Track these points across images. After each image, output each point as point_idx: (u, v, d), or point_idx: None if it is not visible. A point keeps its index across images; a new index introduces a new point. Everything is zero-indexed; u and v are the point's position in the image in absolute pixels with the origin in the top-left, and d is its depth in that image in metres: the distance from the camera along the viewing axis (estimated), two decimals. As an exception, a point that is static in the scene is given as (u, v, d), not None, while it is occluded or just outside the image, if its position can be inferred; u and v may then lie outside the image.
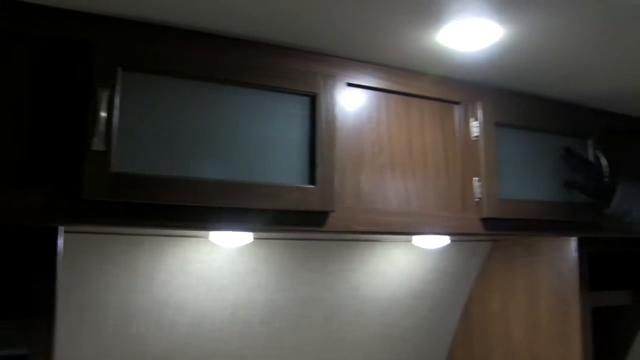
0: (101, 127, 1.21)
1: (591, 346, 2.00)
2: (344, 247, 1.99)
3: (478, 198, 1.72)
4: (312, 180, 1.45)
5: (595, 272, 2.08)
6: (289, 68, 1.49)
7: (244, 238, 1.70)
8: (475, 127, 1.75)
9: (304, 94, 1.49)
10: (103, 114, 1.22)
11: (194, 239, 1.75)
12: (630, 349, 2.37)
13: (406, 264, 2.15)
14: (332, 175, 1.47)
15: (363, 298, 2.10)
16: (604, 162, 1.98)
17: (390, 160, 1.62)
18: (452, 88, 1.76)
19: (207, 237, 1.72)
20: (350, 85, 1.58)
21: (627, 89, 1.94)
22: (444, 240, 1.96)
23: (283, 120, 1.46)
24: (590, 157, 2.00)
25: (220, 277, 1.84)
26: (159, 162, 1.31)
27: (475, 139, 1.75)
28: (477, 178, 1.73)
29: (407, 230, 1.63)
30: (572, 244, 2.01)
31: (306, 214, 1.45)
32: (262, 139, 1.42)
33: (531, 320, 2.14)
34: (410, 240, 1.99)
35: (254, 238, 1.76)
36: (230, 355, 1.95)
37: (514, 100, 1.89)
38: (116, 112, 1.25)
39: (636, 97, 2.04)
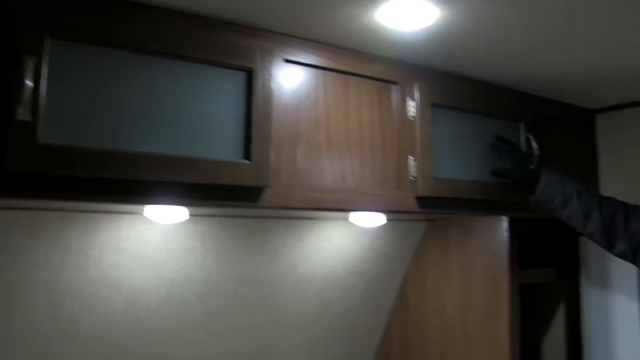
0: (27, 96, 1.17)
1: (518, 321, 2.08)
2: (281, 225, 1.99)
3: (413, 177, 1.75)
4: (247, 155, 1.44)
5: (523, 250, 2.16)
6: (227, 42, 1.47)
7: (179, 215, 1.68)
8: (411, 107, 1.78)
9: (241, 69, 1.47)
10: (29, 83, 1.17)
11: (128, 215, 1.72)
12: (552, 322, 2.48)
13: (343, 242, 2.17)
14: (268, 151, 1.47)
15: (300, 276, 2.12)
16: (534, 145, 2.05)
17: (327, 138, 1.63)
18: (390, 68, 1.77)
19: (142, 214, 1.69)
20: (288, 61, 1.57)
21: (560, 75, 2.00)
22: (381, 219, 1.99)
23: (219, 95, 1.44)
24: (522, 141, 2.06)
25: (155, 254, 1.81)
26: (91, 134, 1.27)
27: (412, 118, 1.77)
28: (412, 157, 1.76)
29: (343, 207, 1.64)
30: (504, 223, 2.08)
31: (241, 190, 1.44)
32: (198, 113, 1.41)
33: (464, 297, 2.21)
34: (347, 219, 2.01)
35: (190, 215, 1.74)
36: (166, 334, 1.93)
37: (450, 82, 1.93)
38: (44, 82, 1.20)
39: (568, 84, 2.11)
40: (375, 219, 1.98)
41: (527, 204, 1.97)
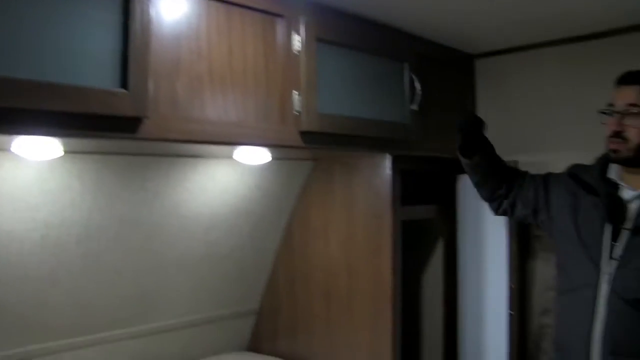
0: None
1: (400, 256, 2.17)
2: (164, 163, 1.93)
3: (297, 111, 1.75)
4: (124, 84, 1.37)
5: (408, 188, 2.23)
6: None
7: (52, 150, 1.58)
8: (297, 42, 1.76)
9: (118, -7, 1.38)
10: None
11: (-7, 152, 1.59)
12: (432, 257, 2.62)
13: (229, 181, 2.14)
14: (146, 80, 1.40)
15: (184, 216, 2.08)
16: (417, 85, 2.10)
17: (209, 70, 1.58)
18: (276, 0, 1.73)
19: (9, 150, 1.56)
20: (167, -13, 1.50)
21: (443, 17, 2.05)
22: (265, 156, 1.97)
23: (94, 20, 1.34)
24: (406, 81, 2.10)
25: (28, 194, 1.70)
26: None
27: (297, 53, 1.76)
28: (296, 92, 1.75)
29: (225, 140, 1.61)
30: (386, 161, 2.13)
31: (117, 120, 1.37)
32: (70, 37, 1.30)
33: (348, 235, 2.26)
34: (231, 157, 1.98)
35: (66, 151, 1.64)
36: (43, 280, 1.84)
37: (338, 18, 1.92)
38: None
39: (450, 28, 2.18)
40: (259, 156, 1.96)
41: (411, 142, 2.04)
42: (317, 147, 1.85)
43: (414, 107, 2.10)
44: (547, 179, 1.89)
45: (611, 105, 1.61)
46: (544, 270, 2.34)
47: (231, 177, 2.14)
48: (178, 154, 1.93)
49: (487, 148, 1.94)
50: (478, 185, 2.00)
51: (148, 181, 1.92)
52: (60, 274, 1.87)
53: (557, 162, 2.07)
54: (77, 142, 1.56)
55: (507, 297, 2.35)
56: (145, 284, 2.11)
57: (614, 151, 1.62)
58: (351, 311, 2.26)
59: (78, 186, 1.79)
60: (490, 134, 2.37)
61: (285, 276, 2.47)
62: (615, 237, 1.60)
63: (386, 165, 2.13)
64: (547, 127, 2.36)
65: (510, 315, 2.33)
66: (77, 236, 1.85)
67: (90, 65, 1.34)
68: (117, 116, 1.37)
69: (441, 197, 2.54)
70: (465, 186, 2.46)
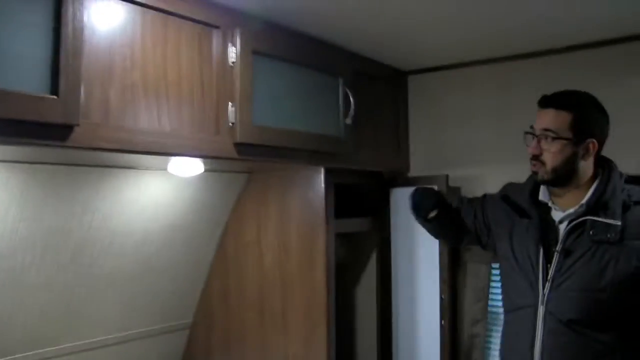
0: None
1: (334, 269, 2.19)
2: (93, 173, 1.88)
3: (232, 123, 1.75)
4: (54, 90, 1.34)
5: (343, 201, 2.25)
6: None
7: (-23, 158, 1.52)
8: (232, 53, 1.76)
9: (49, -3, 1.35)
10: None
11: None
12: (366, 270, 2.64)
13: (162, 194, 2.11)
14: (78, 86, 1.37)
15: (115, 229, 2.03)
16: (351, 100, 2.14)
17: (143, 79, 1.56)
18: (212, 11, 1.74)
19: None
20: (102, -7, 1.47)
21: (377, 35, 2.10)
22: (199, 167, 1.96)
23: (23, 23, 1.31)
24: (340, 96, 2.14)
25: (-53, 205, 1.64)
26: None
27: (232, 65, 1.76)
28: (231, 103, 1.75)
29: (158, 150, 1.58)
30: (321, 174, 2.15)
31: (46, 127, 1.33)
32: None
33: (282, 247, 2.26)
34: (165, 169, 1.95)
35: (-10, 161, 1.59)
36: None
37: (275, 31, 1.93)
38: None
39: (384, 45, 2.23)
40: (193, 168, 1.94)
41: (345, 155, 2.06)
42: (251, 159, 1.85)
43: (348, 121, 2.13)
44: (484, 202, 1.93)
45: (532, 127, 1.63)
46: (474, 281, 2.40)
47: (164, 189, 2.11)
48: (109, 165, 1.89)
49: (443, 216, 1.98)
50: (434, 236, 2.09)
51: (77, 192, 1.87)
52: (-22, 289, 1.80)
53: (488, 176, 2.14)
54: (3, 150, 1.51)
55: (439, 308, 2.39)
56: (73, 299, 2.04)
57: (535, 173, 1.65)
58: (285, 325, 2.25)
59: (4, 196, 1.72)
60: (422, 149, 2.43)
61: (219, 290, 2.44)
62: (549, 259, 1.61)
63: (320, 178, 2.15)
64: (478, 142, 2.43)
65: (442, 325, 2.37)
66: (1, 249, 1.78)
67: (18, 68, 1.30)
68: (46, 123, 1.33)
69: (375, 210, 2.57)
70: (398, 199, 2.51)
